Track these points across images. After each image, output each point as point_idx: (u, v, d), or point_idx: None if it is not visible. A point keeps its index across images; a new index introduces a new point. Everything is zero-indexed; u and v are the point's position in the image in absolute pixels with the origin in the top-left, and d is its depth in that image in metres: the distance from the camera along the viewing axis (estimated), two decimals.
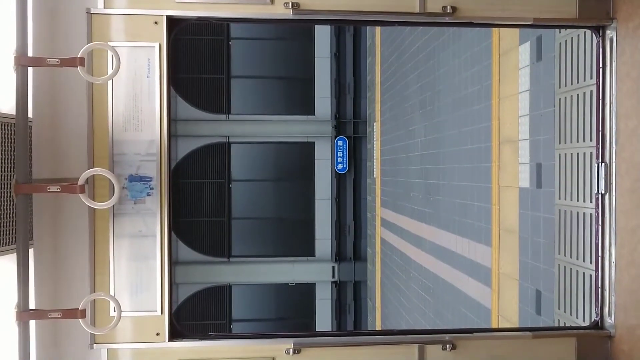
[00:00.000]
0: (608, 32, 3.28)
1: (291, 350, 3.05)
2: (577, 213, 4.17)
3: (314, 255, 15.00)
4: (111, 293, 2.97)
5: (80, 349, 2.96)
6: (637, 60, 3.10)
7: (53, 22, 2.90)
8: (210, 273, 14.59)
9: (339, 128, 14.84)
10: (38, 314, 2.64)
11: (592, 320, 3.35)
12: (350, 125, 14.95)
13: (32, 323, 2.67)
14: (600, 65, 3.32)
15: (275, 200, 15.11)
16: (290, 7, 3.04)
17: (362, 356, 3.14)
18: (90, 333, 2.92)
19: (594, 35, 3.36)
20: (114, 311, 2.87)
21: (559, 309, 4.50)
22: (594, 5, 3.23)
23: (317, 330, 14.40)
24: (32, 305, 2.67)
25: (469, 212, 6.63)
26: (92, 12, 2.96)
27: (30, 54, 2.69)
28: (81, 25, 2.94)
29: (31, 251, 2.72)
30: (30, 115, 2.72)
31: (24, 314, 2.58)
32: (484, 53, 6.20)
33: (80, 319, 2.68)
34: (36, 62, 2.66)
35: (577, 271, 4.19)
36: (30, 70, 2.69)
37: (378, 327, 12.51)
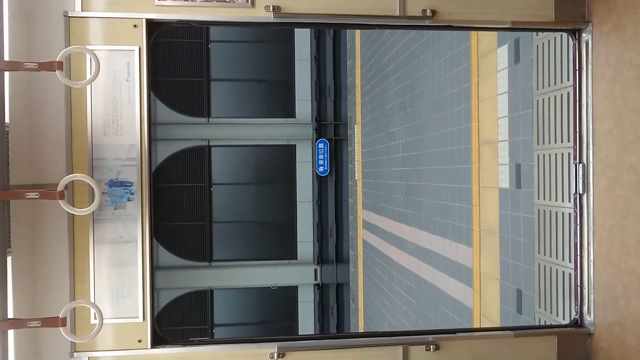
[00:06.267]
0: (584, 35, 3.34)
1: (275, 354, 3.03)
2: (556, 213, 4.23)
3: (296, 258, 14.98)
4: (92, 300, 2.92)
5: (61, 358, 2.90)
6: (611, 62, 3.16)
7: (30, 25, 2.86)
8: (192, 278, 14.47)
9: (320, 131, 14.87)
10: (17, 323, 2.58)
11: (572, 318, 3.40)
12: (331, 127, 14.98)
13: (11, 332, 2.62)
14: (577, 68, 3.39)
15: (257, 203, 15.06)
16: (271, 10, 3.04)
17: (346, 358, 3.14)
18: (71, 341, 2.88)
19: (570, 38, 3.42)
20: (95, 318, 2.83)
21: (539, 307, 4.56)
22: (570, 9, 3.30)
23: (300, 333, 14.38)
24: (10, 314, 2.61)
25: (449, 213, 6.69)
26: (70, 16, 2.92)
27: (6, 57, 2.64)
28: (59, 29, 2.89)
29: (9, 258, 2.66)
30: (7, 120, 2.67)
31: (2, 323, 2.53)
32: (463, 55, 6.27)
33: (60, 328, 2.63)
34: (13, 66, 2.61)
35: (557, 270, 4.25)
36: (6, 74, 2.64)
37: (361, 328, 12.54)
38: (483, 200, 5.74)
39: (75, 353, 2.92)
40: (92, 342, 2.91)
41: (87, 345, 2.93)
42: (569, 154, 3.95)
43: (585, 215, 3.33)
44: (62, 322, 2.62)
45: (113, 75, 2.95)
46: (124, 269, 2.98)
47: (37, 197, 2.61)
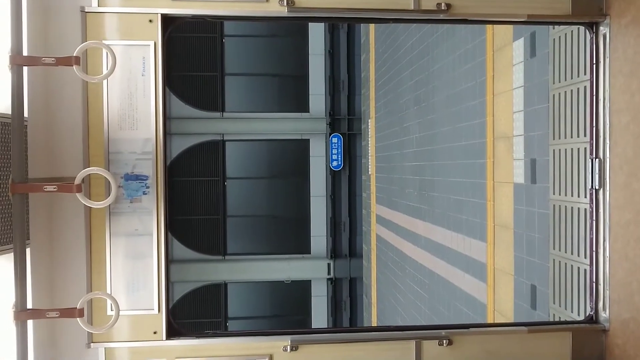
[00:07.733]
0: (601, 28, 3.30)
1: (289, 347, 3.06)
2: (572, 208, 4.20)
3: (310, 253, 15.02)
4: (108, 292, 2.97)
5: (78, 348, 2.96)
6: (629, 56, 3.12)
7: (48, 21, 2.89)
8: (206, 271, 14.58)
9: (334, 125, 14.85)
10: (36, 313, 2.63)
11: (587, 314, 3.38)
12: (345, 122, 14.96)
13: (30, 323, 2.67)
14: (594, 62, 3.34)
15: (270, 197, 15.11)
16: (285, 4, 3.04)
17: (359, 352, 3.15)
18: (88, 332, 2.92)
19: (587, 31, 3.38)
20: (111, 310, 2.87)
21: (554, 303, 4.53)
22: (587, 1, 3.25)
23: (313, 327, 14.43)
24: (29, 305, 2.66)
25: (464, 208, 6.66)
26: (86, 11, 2.95)
27: (25, 53, 2.68)
28: (76, 24, 2.93)
29: (28, 251, 2.71)
30: (25, 114, 2.71)
31: (22, 313, 2.58)
32: (478, 49, 6.21)
33: (78, 318, 2.68)
34: (31, 61, 2.65)
35: (572, 266, 4.22)
36: (25, 69, 2.68)
37: (374, 323, 12.55)
38: (497, 196, 5.70)
39: (92, 344, 2.97)
40: (108, 333, 2.96)
41: (104, 336, 2.98)
42: (585, 148, 3.91)
43: (601, 210, 3.30)
44: (80, 313, 2.67)
45: (129, 70, 2.98)
46: (139, 261, 3.02)
47: (55, 190, 2.65)
